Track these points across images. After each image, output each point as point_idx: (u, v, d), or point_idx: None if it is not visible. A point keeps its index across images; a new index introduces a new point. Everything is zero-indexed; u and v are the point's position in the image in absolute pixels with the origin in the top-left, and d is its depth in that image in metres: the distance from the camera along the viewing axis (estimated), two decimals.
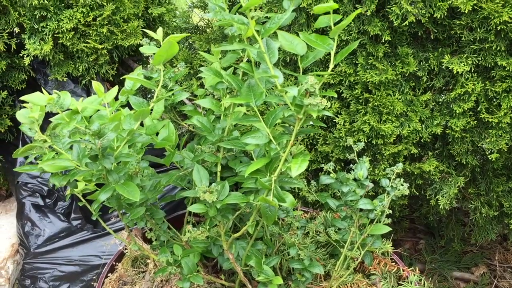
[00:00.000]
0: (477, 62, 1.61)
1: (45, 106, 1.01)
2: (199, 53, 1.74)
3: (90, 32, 1.93)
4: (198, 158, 1.34)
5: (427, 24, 1.63)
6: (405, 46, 1.69)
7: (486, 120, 1.66)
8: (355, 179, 1.38)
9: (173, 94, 1.34)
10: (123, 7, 1.96)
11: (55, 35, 1.92)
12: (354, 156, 1.42)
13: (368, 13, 1.61)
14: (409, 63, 1.68)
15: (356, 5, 1.67)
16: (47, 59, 2.00)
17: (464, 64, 1.60)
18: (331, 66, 1.01)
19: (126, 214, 1.32)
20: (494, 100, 1.68)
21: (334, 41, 1.00)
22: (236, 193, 1.14)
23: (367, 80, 1.70)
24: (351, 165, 1.44)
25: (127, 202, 1.24)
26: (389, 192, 1.41)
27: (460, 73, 1.62)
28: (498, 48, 1.55)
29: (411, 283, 1.58)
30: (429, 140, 1.78)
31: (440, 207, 1.92)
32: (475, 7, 1.51)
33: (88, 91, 2.18)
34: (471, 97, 1.64)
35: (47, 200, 2.16)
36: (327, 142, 1.90)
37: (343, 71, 1.75)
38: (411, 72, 1.70)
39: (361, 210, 1.37)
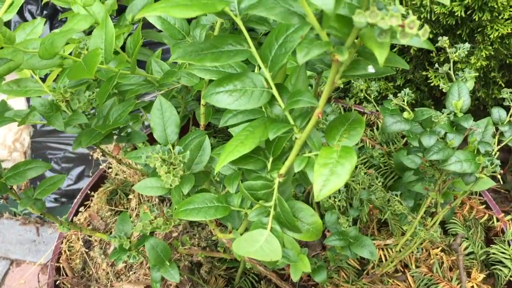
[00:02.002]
0: None
1: None
2: None
3: None
4: (164, 81, 0.74)
5: None
6: None
7: None
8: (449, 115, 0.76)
9: None
10: None
11: None
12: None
13: None
14: None
15: None
16: None
17: None
18: None
19: None
20: None
21: None
22: (208, 195, 0.57)
23: None
24: (441, 84, 0.80)
25: None
26: (505, 134, 0.79)
27: None
28: None
29: (508, 243, 1.04)
30: None
31: None
32: None
33: None
34: None
35: None
36: None
37: None
38: None
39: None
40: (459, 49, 0.81)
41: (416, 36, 0.37)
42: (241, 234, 0.62)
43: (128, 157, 0.67)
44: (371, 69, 0.42)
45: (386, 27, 0.37)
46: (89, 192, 1.13)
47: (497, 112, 0.82)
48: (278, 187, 0.51)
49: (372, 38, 0.39)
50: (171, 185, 0.61)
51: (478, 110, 1.55)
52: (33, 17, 1.74)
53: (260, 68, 0.49)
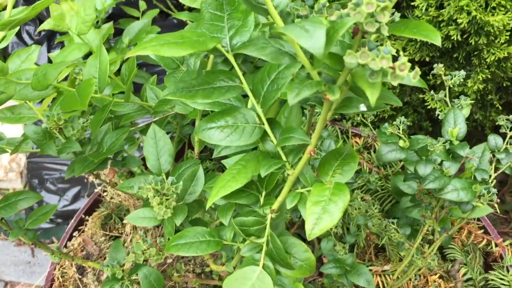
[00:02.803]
0: None
1: None
2: None
3: None
4: (159, 109, 0.74)
5: None
6: None
7: None
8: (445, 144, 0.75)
9: None
10: None
11: None
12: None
13: None
14: None
15: None
16: None
17: None
18: None
19: None
20: None
21: None
22: (200, 229, 0.56)
23: None
24: (436, 111, 0.80)
25: None
26: (501, 161, 0.79)
27: None
28: None
29: (507, 269, 1.03)
30: None
31: None
32: None
33: None
34: None
35: None
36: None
37: None
38: None
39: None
40: (454, 76, 0.81)
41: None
42: (234, 267, 0.61)
43: (120, 187, 0.66)
44: (362, 107, 0.42)
45: (376, 68, 0.37)
46: (83, 216, 1.12)
47: (494, 140, 0.81)
48: (271, 222, 0.50)
49: (363, 78, 0.39)
50: (163, 217, 0.60)
51: (476, 131, 1.55)
52: (31, 38, 1.75)
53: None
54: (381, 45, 0.38)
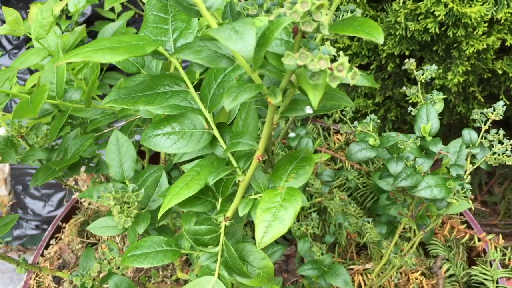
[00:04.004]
0: None
1: None
2: None
3: None
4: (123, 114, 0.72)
5: None
6: None
7: None
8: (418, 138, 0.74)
9: None
10: None
11: None
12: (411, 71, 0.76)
13: None
14: None
15: None
16: None
17: None
18: None
19: None
20: None
21: None
22: (157, 238, 0.54)
23: None
24: (409, 107, 0.78)
25: None
26: (476, 156, 0.78)
27: None
28: None
29: (490, 263, 1.02)
30: None
31: None
32: None
33: None
34: None
35: None
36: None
37: None
38: None
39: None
40: (426, 71, 0.80)
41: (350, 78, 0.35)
42: (197, 276, 0.59)
43: (81, 196, 0.64)
44: (308, 110, 0.40)
45: (316, 69, 0.35)
46: (60, 223, 1.10)
47: (468, 134, 0.80)
48: (227, 230, 0.48)
49: (306, 79, 0.37)
50: (123, 226, 0.58)
51: (461, 123, 1.54)
52: (10, 43, 1.72)
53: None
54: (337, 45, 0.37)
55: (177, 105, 0.44)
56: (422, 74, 0.79)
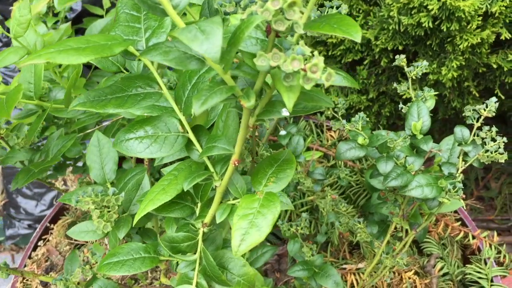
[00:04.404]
0: None
1: None
2: None
3: None
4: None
5: None
6: None
7: None
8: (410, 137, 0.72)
9: None
10: None
11: None
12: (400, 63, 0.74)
13: None
14: None
15: None
16: None
17: None
18: None
19: None
20: None
21: None
22: (135, 245, 0.53)
23: None
24: (400, 104, 0.77)
25: None
26: (469, 154, 0.76)
27: None
28: None
29: (484, 261, 1.00)
30: None
31: None
32: None
33: None
34: None
35: None
36: (369, 23, 1.19)
37: None
38: None
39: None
40: (417, 68, 0.78)
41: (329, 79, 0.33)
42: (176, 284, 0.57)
43: (61, 200, 0.62)
44: (285, 112, 0.38)
45: (289, 70, 0.33)
46: (48, 225, 1.08)
47: (460, 131, 0.78)
48: (207, 236, 0.47)
49: (280, 81, 0.35)
50: (102, 231, 0.57)
51: (457, 118, 1.52)
52: (0, 41, 1.70)
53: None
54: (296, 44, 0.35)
55: (150, 106, 0.42)
56: (413, 71, 0.77)
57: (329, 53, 1.34)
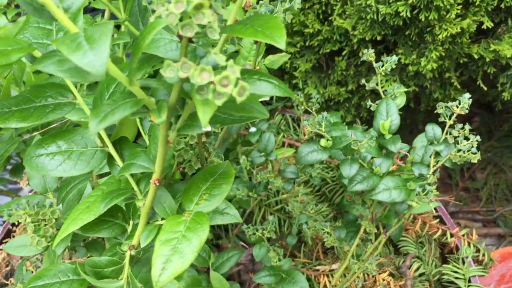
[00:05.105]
0: None
1: None
2: None
3: None
4: None
5: None
6: None
7: None
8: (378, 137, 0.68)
9: None
10: None
11: None
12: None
13: None
14: None
15: None
16: None
17: None
18: None
19: None
20: None
21: None
22: (63, 266, 0.48)
23: None
24: (369, 102, 0.72)
25: None
26: (441, 153, 0.72)
27: None
28: None
29: (462, 260, 0.97)
30: None
31: None
32: None
33: None
34: None
35: None
36: (347, 12, 1.15)
37: None
38: None
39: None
40: (386, 63, 0.73)
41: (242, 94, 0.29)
42: None
43: None
44: (205, 128, 0.34)
45: (200, 83, 0.28)
46: (11, 227, 1.04)
47: (432, 130, 0.74)
48: (137, 259, 0.43)
49: (194, 93, 0.30)
50: (36, 246, 0.52)
51: None
52: None
53: None
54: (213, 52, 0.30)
55: (60, 119, 0.37)
56: (382, 66, 0.73)
57: (307, 44, 1.29)
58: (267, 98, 1.30)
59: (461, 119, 2.04)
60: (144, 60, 0.35)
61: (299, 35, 1.30)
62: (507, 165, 1.86)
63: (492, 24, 1.10)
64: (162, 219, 0.41)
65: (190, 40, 0.31)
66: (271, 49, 1.45)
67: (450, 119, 0.73)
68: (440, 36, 1.09)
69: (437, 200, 1.05)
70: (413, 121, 1.63)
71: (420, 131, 0.82)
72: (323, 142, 0.67)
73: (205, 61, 0.30)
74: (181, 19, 0.29)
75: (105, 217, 0.43)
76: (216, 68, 0.30)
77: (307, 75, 1.36)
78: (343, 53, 1.28)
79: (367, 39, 1.19)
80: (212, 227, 1.06)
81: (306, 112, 1.32)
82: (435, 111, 0.75)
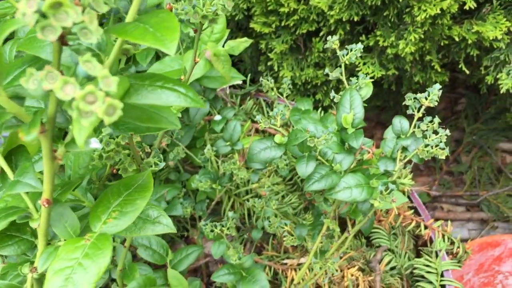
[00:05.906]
0: None
1: None
2: None
3: None
4: None
5: None
6: None
7: None
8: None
9: None
10: None
11: None
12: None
13: None
14: None
15: None
16: None
17: None
18: None
19: None
20: None
21: None
22: None
23: None
24: (332, 93, 0.67)
25: None
26: (408, 148, 0.68)
27: None
28: None
29: (435, 254, 0.94)
30: None
31: (502, 88, 1.15)
32: None
33: None
34: None
35: None
36: None
37: None
38: None
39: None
40: (350, 51, 0.68)
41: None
42: None
43: None
44: (94, 144, 0.29)
45: (63, 98, 0.23)
46: None
47: (399, 123, 0.69)
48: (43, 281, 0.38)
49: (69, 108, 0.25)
50: None
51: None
52: None
53: None
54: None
55: None
56: (346, 55, 0.68)
57: (282, 24, 1.23)
58: (240, 82, 1.24)
59: (447, 101, 1.98)
60: (29, 62, 0.30)
61: (274, 15, 1.24)
62: (492, 148, 1.83)
63: (475, 5, 1.04)
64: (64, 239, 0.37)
65: (65, 43, 0.26)
66: (242, 31, 1.38)
67: (419, 111, 0.68)
68: (419, 18, 1.03)
69: (412, 190, 1.02)
70: (396, 103, 1.58)
71: (404, 114, 0.77)
72: (277, 138, 0.62)
73: (79, 70, 0.25)
74: (44, 17, 0.24)
75: (12, 232, 0.39)
76: (93, 79, 0.25)
77: (283, 56, 1.30)
78: (321, 33, 1.22)
79: (344, 19, 1.13)
80: (177, 218, 1.02)
81: (281, 96, 1.27)
82: (403, 103, 0.70)
